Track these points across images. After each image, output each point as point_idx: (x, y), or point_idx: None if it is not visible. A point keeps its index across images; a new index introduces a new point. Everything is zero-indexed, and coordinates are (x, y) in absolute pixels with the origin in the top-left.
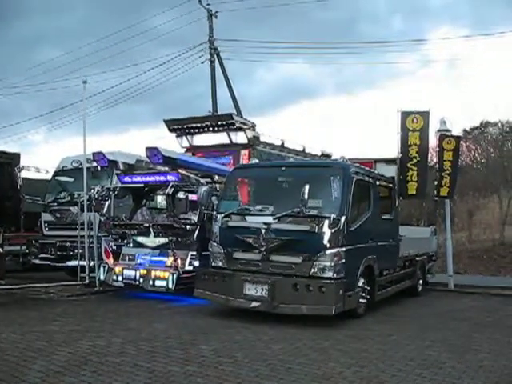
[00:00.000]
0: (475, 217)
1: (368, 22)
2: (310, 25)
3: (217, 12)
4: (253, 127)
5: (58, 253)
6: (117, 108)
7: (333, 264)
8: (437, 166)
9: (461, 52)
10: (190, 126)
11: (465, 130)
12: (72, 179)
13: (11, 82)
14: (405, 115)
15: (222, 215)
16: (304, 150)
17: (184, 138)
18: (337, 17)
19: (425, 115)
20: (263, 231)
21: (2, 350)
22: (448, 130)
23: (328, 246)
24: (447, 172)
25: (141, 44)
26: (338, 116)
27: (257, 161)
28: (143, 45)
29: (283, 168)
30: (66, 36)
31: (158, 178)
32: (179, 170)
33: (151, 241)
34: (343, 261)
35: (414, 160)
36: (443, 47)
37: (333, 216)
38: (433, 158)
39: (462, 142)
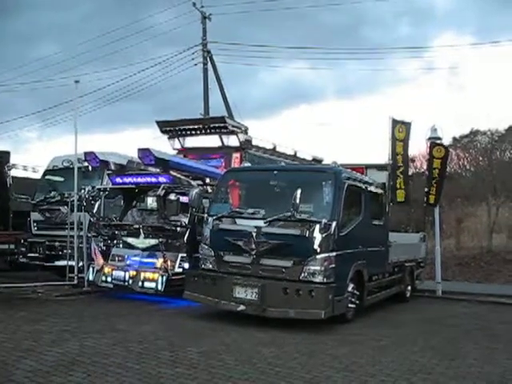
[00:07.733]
0: (463, 224)
1: (373, 27)
2: (315, 28)
3: (210, 15)
4: (245, 130)
5: (47, 252)
6: (113, 107)
7: (323, 269)
8: (426, 173)
9: (462, 60)
10: (182, 127)
11: (454, 138)
12: (62, 179)
13: (4, 78)
14: (395, 123)
15: (213, 218)
16: (296, 154)
17: (176, 139)
18: (341, 21)
19: (408, 126)
20: (254, 235)
21: None
22: (439, 138)
23: (318, 250)
24: (435, 180)
25: (138, 43)
26: (336, 121)
27: (249, 164)
28: (140, 44)
29: (275, 172)
30: (62, 33)
31: (149, 179)
32: (171, 172)
33: (141, 242)
34: (333, 266)
35: (401, 168)
36: (446, 54)
37: (324, 221)
38: (422, 165)
39: (451, 149)
